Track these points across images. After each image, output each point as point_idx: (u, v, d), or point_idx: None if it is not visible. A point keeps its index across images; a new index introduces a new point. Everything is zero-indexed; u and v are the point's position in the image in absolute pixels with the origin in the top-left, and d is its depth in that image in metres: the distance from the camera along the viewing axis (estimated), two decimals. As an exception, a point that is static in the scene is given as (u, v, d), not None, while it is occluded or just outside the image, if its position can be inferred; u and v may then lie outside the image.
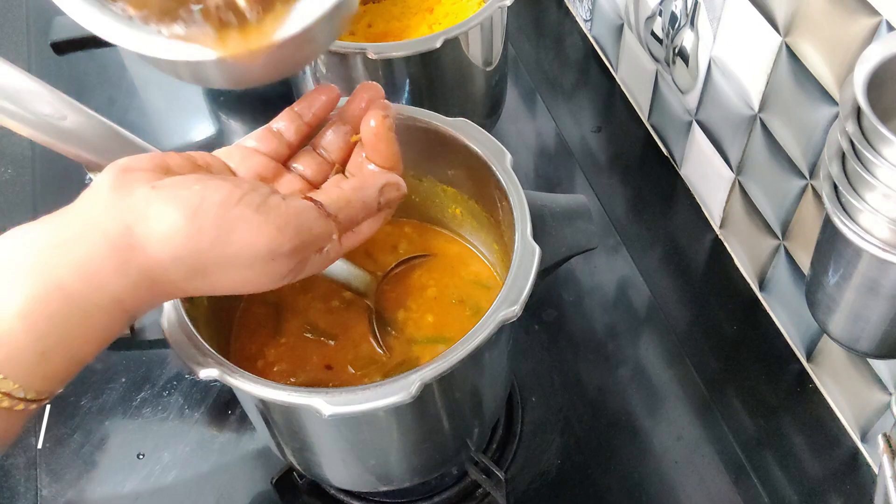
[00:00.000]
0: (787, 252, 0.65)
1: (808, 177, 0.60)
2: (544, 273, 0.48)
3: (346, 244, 0.43)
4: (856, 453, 0.62)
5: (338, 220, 0.40)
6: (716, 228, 0.76)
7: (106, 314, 0.36)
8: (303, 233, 0.38)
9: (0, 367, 0.34)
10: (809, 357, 0.66)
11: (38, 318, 0.34)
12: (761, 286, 0.71)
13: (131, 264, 0.36)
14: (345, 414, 0.41)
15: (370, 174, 0.45)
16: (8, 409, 0.35)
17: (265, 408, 0.48)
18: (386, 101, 0.46)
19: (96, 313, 0.36)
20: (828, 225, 0.45)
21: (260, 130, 0.45)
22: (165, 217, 0.36)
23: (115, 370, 0.68)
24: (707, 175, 0.75)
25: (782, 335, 0.69)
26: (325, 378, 0.54)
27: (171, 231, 0.36)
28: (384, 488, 0.56)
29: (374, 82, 0.47)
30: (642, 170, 0.83)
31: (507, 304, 0.44)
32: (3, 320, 0.34)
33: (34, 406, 0.36)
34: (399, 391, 0.41)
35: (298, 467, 0.56)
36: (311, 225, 0.39)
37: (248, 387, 0.43)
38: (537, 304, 0.71)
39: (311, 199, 0.40)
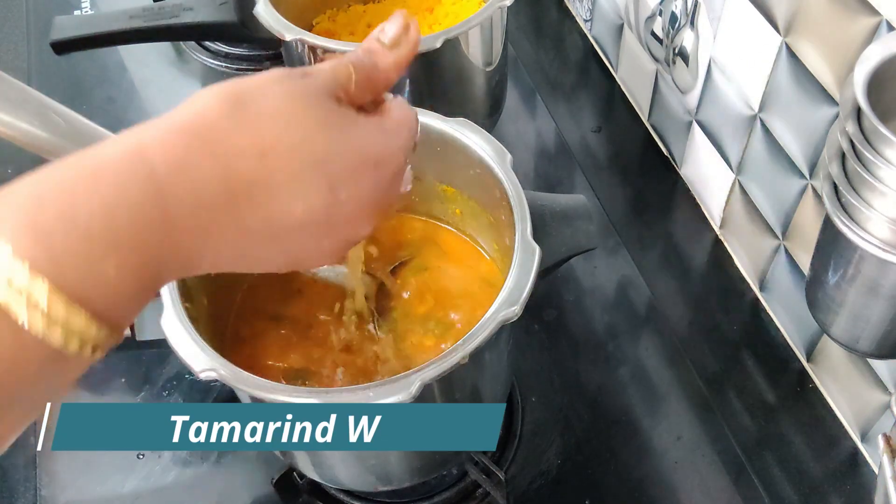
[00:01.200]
0: (787, 252, 0.65)
1: (808, 177, 0.60)
2: (544, 273, 0.48)
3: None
4: (856, 453, 0.62)
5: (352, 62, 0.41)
6: (716, 228, 0.76)
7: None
8: (339, 79, 0.39)
9: (92, 307, 0.29)
10: (809, 357, 0.66)
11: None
12: (761, 286, 0.71)
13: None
14: (345, 414, 0.41)
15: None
16: (77, 355, 0.30)
17: (265, 408, 0.48)
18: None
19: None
20: (828, 225, 0.45)
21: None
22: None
23: (114, 370, 0.68)
24: (707, 175, 0.75)
25: (782, 335, 0.69)
26: (325, 378, 0.54)
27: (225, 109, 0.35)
28: (384, 488, 0.56)
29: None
30: (642, 170, 0.83)
31: (507, 304, 0.44)
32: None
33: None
34: (399, 391, 0.41)
35: (298, 467, 0.56)
36: (340, 70, 0.39)
37: (248, 387, 0.43)
38: (537, 304, 0.71)
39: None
